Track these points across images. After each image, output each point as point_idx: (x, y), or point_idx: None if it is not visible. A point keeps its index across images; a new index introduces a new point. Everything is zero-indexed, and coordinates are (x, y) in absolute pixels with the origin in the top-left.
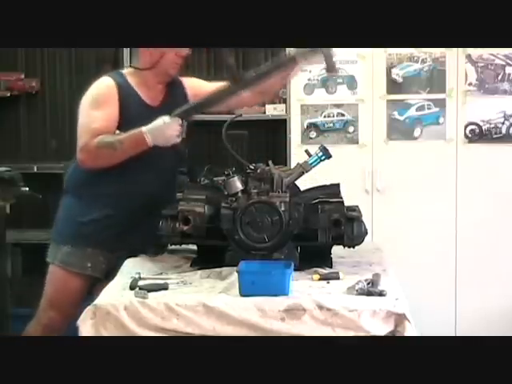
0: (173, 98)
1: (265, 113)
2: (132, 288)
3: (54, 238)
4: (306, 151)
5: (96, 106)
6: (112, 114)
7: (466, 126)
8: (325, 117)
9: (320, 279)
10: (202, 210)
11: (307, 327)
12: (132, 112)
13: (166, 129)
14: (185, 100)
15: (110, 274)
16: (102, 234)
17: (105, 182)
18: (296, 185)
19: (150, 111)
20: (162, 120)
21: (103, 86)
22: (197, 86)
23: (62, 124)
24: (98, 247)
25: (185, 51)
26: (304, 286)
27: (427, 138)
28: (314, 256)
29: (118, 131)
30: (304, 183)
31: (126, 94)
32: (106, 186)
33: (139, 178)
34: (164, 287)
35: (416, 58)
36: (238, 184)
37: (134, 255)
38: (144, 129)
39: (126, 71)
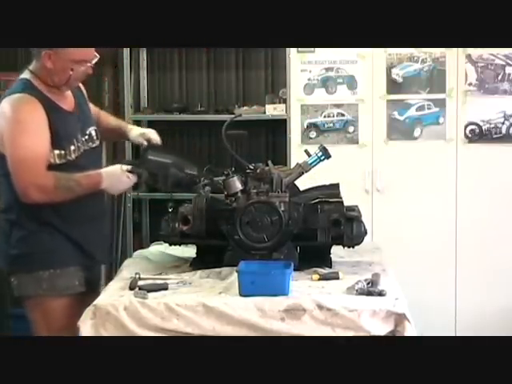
0: (79, 101)
1: (265, 113)
2: (132, 288)
3: (26, 269)
4: (306, 151)
5: (32, 133)
6: (47, 134)
7: (465, 126)
8: (325, 117)
9: (319, 279)
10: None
11: (307, 327)
12: (59, 124)
13: (121, 179)
14: (86, 103)
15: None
16: (80, 247)
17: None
18: (295, 185)
19: (70, 117)
20: (120, 169)
21: (30, 109)
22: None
23: None
24: (80, 263)
25: (94, 57)
26: (304, 286)
27: (427, 138)
28: (313, 256)
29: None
30: (304, 183)
31: (48, 108)
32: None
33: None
34: (164, 287)
35: (416, 58)
36: (237, 184)
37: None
38: (103, 173)
39: (30, 77)
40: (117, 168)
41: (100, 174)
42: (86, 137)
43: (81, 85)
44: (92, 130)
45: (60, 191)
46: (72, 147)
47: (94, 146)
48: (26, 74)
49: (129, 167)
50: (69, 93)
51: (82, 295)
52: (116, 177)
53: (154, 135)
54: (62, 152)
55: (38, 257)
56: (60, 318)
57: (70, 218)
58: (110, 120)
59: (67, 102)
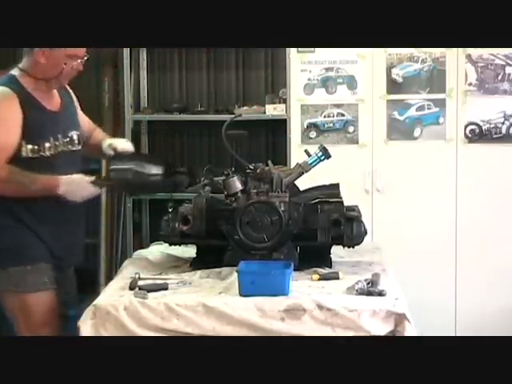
0: (67, 101)
1: (265, 113)
2: (132, 288)
3: None
4: (306, 151)
5: (2, 126)
6: (16, 127)
7: (465, 126)
8: (325, 117)
9: (319, 279)
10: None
11: (307, 327)
12: (36, 121)
13: (82, 187)
14: (73, 107)
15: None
16: (49, 247)
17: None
18: (295, 185)
19: (53, 116)
20: (81, 177)
21: (5, 103)
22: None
23: None
24: (49, 261)
25: (85, 54)
26: (304, 286)
27: (427, 138)
28: (313, 256)
29: (23, 142)
30: (304, 183)
31: (26, 103)
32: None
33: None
34: (164, 287)
35: (416, 58)
36: (237, 184)
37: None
38: (62, 179)
39: (17, 74)
40: (77, 175)
41: (58, 179)
42: (68, 139)
43: (70, 90)
44: (75, 134)
45: (12, 184)
46: (47, 144)
47: (74, 149)
48: (14, 71)
49: (92, 178)
50: (56, 94)
51: (56, 293)
52: (76, 184)
53: (120, 144)
54: (36, 147)
55: (10, 252)
56: (37, 314)
57: (42, 217)
58: (100, 137)
59: (53, 102)
